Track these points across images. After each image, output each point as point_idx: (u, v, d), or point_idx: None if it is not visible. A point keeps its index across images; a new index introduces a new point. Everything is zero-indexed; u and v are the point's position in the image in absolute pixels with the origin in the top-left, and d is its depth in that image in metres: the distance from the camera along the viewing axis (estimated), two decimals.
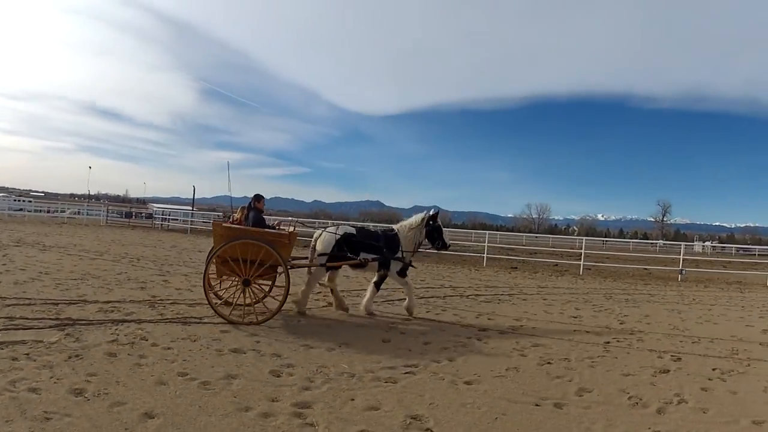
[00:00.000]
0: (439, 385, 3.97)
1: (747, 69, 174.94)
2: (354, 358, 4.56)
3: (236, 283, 5.85)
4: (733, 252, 46.63)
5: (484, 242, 18.51)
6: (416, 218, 6.92)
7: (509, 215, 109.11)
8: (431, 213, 6.90)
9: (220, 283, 6.36)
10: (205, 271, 5.91)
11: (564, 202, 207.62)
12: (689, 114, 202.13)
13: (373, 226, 8.91)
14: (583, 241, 20.34)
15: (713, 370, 4.95)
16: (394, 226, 7.09)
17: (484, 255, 17.19)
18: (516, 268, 16.16)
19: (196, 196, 62.39)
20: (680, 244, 19.68)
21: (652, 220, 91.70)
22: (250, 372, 3.93)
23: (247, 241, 5.72)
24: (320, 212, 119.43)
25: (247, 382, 3.71)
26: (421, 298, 8.21)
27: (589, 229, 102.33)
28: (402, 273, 6.70)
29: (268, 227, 6.36)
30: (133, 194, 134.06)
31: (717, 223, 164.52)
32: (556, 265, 17.47)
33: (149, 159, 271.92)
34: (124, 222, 32.79)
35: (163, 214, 35.13)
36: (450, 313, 7.19)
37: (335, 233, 6.50)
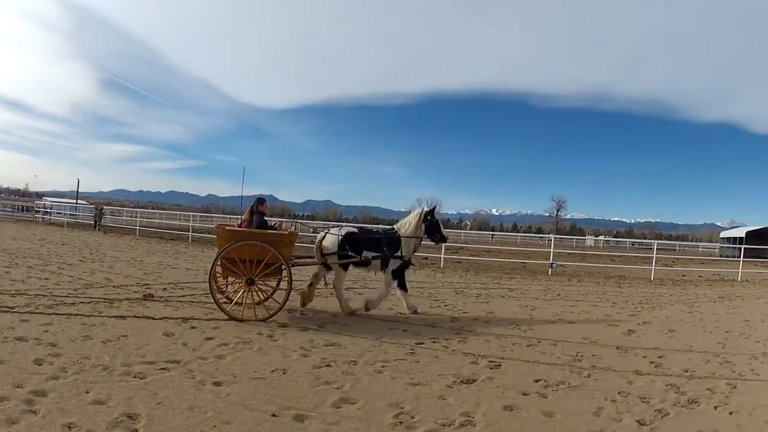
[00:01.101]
0: (182, 384, 3.70)
1: (654, 71, 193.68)
2: (124, 350, 4.43)
3: (241, 282, 6.12)
4: (627, 246, 48.76)
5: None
6: (413, 215, 7.10)
7: (402, 210, 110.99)
8: (427, 209, 7.12)
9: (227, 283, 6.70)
10: (212, 271, 6.13)
11: (459, 196, 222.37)
12: (591, 113, 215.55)
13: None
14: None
15: (536, 381, 4.19)
16: (395, 226, 7.29)
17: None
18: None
19: (93, 190, 57.44)
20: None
21: (547, 215, 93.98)
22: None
23: (250, 243, 5.98)
24: (212, 206, 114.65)
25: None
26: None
27: (482, 223, 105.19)
28: (398, 272, 6.89)
29: (271, 228, 6.66)
30: (33, 188, 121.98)
31: (616, 218, 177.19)
32: (426, 258, 16.97)
33: (49, 151, 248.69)
34: (8, 216, 32.96)
35: (45, 207, 34.24)
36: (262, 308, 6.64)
37: (338, 234, 6.70)
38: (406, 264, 7.02)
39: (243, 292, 6.10)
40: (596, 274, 15.52)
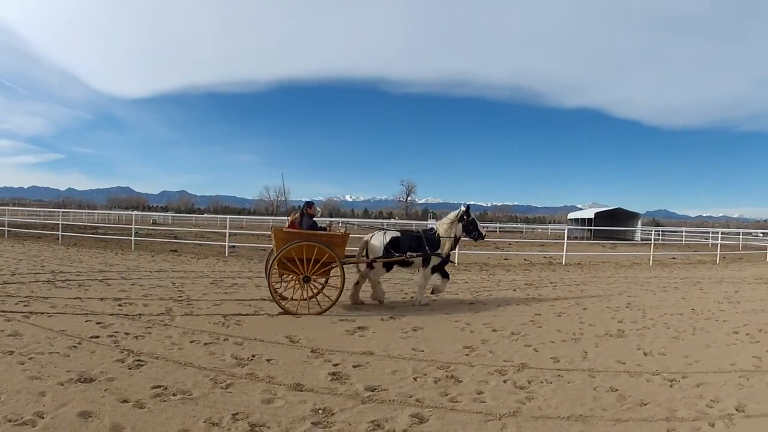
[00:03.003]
0: None
1: (514, 58, 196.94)
2: None
3: (297, 279, 6.56)
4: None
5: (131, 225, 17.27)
6: (451, 215, 7.55)
7: (254, 198, 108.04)
8: (463, 209, 7.52)
9: (281, 281, 6.98)
10: (269, 270, 6.59)
11: (312, 184, 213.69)
12: (447, 99, 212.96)
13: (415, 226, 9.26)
14: (227, 219, 19.06)
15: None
16: (433, 225, 7.72)
17: (132, 238, 15.70)
18: (176, 251, 14.88)
19: None
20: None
21: (396, 199, 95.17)
22: None
23: (309, 244, 6.45)
24: (69, 200, 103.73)
25: None
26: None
27: (333, 209, 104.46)
28: (437, 269, 7.40)
29: (321, 229, 7.09)
30: None
31: (472, 202, 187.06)
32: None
33: None
34: None
35: None
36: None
37: (383, 240, 7.15)
38: (445, 261, 7.54)
39: (299, 289, 6.54)
40: None
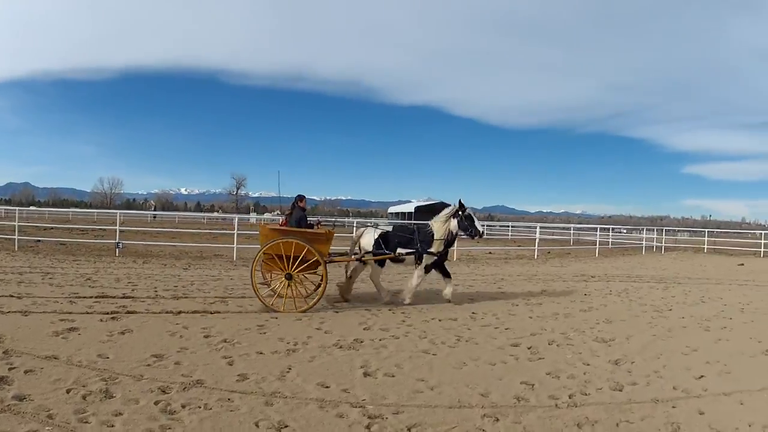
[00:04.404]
0: None
1: (352, 53, 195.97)
2: None
3: (281, 277, 6.46)
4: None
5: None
6: (444, 211, 7.19)
7: (89, 191, 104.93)
8: (458, 204, 7.13)
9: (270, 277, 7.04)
10: (252, 267, 6.54)
11: (149, 176, 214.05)
12: (284, 92, 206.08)
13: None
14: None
15: None
16: (430, 222, 7.29)
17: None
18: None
19: None
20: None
21: (228, 192, 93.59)
22: None
23: (289, 240, 6.35)
24: None
25: None
26: None
27: (167, 203, 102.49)
28: (433, 267, 7.12)
29: (310, 225, 7.00)
30: None
31: (316, 197, 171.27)
32: (39, 242, 14.94)
33: None
34: None
35: None
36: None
37: (373, 236, 7.05)
38: (442, 259, 7.19)
39: (285, 286, 6.38)
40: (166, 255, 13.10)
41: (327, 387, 3.66)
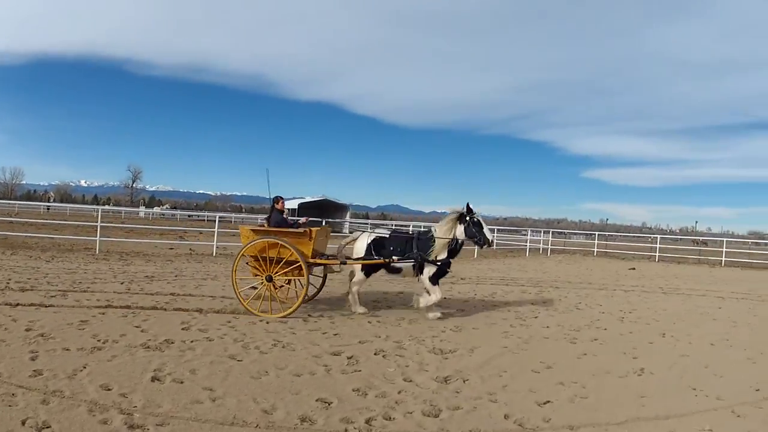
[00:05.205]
0: None
1: (253, 46, 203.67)
2: None
3: (262, 279, 6.28)
4: (178, 217, 45.16)
5: None
6: (448, 215, 6.42)
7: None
8: (465, 208, 6.35)
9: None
10: (233, 268, 6.30)
11: (50, 166, 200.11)
12: (186, 83, 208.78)
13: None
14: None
15: None
16: (432, 226, 6.71)
17: None
18: None
19: None
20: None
21: (124, 185, 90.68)
22: None
23: (268, 240, 6.18)
24: None
25: None
26: None
27: (65, 195, 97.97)
28: (439, 277, 6.40)
29: (290, 226, 6.62)
30: None
31: (201, 191, 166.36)
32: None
33: None
34: None
35: None
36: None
37: (366, 240, 6.57)
38: (445, 268, 6.44)
39: (265, 288, 6.23)
40: (36, 247, 12.74)
41: (108, 389, 3.47)
